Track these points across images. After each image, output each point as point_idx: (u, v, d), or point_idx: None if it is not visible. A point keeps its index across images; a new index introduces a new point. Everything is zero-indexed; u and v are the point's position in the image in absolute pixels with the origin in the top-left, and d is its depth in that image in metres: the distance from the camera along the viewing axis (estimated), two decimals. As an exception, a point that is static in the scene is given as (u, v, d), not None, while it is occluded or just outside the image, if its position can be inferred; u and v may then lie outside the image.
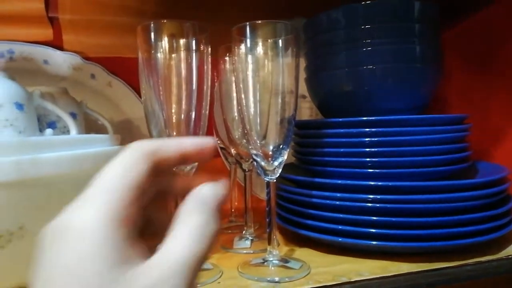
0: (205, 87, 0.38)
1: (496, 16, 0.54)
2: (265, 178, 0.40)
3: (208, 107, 0.38)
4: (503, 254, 0.41)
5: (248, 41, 0.39)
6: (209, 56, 0.38)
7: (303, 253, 0.44)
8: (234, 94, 0.49)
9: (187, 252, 0.19)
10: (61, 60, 0.60)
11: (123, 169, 0.21)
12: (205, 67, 0.38)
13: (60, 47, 0.61)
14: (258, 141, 0.40)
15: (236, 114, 0.49)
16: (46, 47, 0.59)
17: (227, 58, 0.49)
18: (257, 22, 0.39)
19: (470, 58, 0.58)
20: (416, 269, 0.38)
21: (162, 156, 0.22)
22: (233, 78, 0.48)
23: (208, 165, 0.66)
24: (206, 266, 0.40)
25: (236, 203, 0.57)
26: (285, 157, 0.41)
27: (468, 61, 0.58)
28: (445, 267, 0.38)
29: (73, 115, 0.48)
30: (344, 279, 0.35)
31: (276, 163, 0.40)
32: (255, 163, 0.41)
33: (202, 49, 0.38)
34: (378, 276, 0.37)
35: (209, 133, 0.58)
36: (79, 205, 0.20)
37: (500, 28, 0.53)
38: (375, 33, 0.48)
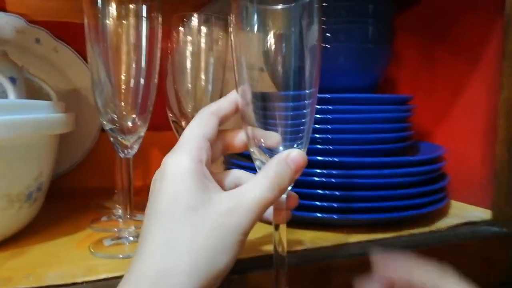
0: (155, 55, 0.37)
1: (449, 1, 0.56)
2: None
3: (157, 77, 0.38)
4: (435, 227, 0.44)
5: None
6: (160, 24, 0.37)
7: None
8: (188, 66, 0.48)
9: (263, 195, 0.26)
10: (3, 22, 0.56)
11: (200, 123, 0.29)
12: (156, 35, 0.37)
13: (2, 8, 0.57)
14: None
15: (190, 86, 0.48)
16: (-14, 7, 0.55)
17: (181, 28, 0.48)
18: None
19: (420, 41, 0.60)
20: (355, 240, 0.40)
21: (224, 113, 0.30)
22: (187, 50, 0.48)
23: (159, 138, 0.66)
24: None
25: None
26: None
27: (417, 44, 0.61)
28: (382, 238, 0.41)
29: (13, 80, 0.45)
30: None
31: None
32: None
33: (153, 16, 0.37)
34: (318, 246, 0.39)
35: (162, 105, 0.57)
36: (173, 152, 0.28)
37: (448, 12, 0.55)
38: (330, 12, 0.48)
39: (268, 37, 0.29)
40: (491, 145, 0.46)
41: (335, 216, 0.43)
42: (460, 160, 0.53)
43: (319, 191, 0.44)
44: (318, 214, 0.43)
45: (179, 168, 0.26)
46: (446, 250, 0.42)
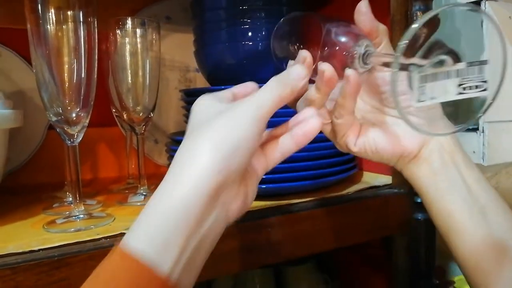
0: (93, 56, 0.43)
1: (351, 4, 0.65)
2: None
3: (95, 74, 0.43)
4: (346, 192, 0.53)
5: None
6: (96, 27, 0.43)
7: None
8: (127, 65, 0.54)
9: (268, 94, 0.30)
10: None
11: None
12: (93, 37, 0.42)
13: None
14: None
15: (130, 83, 0.53)
16: None
17: (118, 31, 0.53)
18: None
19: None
20: (276, 204, 0.48)
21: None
22: (125, 50, 0.53)
23: (106, 133, 0.70)
24: (100, 214, 0.45)
25: (133, 166, 0.62)
26: None
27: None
28: (300, 202, 0.49)
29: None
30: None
31: None
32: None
33: (89, 20, 0.42)
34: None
35: (106, 103, 0.62)
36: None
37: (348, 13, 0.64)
38: (251, 13, 0.56)
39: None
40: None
41: (263, 186, 0.50)
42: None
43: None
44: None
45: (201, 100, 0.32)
46: (353, 208, 0.50)
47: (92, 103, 0.43)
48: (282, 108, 0.31)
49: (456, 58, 0.28)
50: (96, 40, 0.43)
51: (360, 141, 0.37)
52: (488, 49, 0.30)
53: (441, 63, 0.27)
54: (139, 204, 0.50)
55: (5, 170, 0.53)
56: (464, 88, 0.28)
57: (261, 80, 0.56)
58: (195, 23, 0.60)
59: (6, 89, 0.61)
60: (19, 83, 0.63)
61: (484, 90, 0.29)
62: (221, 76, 0.60)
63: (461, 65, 0.27)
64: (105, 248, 0.36)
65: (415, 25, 0.26)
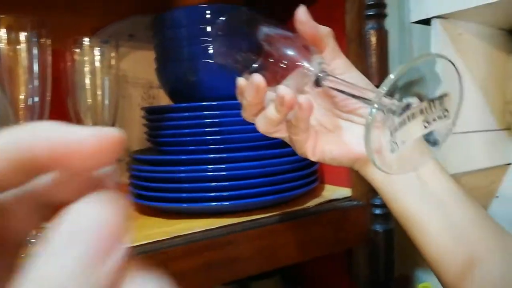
0: (46, 76, 0.42)
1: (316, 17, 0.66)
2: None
3: (49, 95, 0.43)
4: (306, 206, 0.54)
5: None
6: (49, 47, 0.42)
7: (150, 222, 0.51)
8: (86, 84, 0.53)
9: None
10: None
11: None
12: (46, 58, 0.42)
13: None
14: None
15: (90, 101, 0.53)
16: None
17: (77, 50, 0.52)
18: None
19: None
20: (239, 221, 0.48)
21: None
22: (84, 68, 0.53)
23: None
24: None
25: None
26: None
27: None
28: (261, 218, 0.50)
29: None
30: (175, 234, 0.44)
31: None
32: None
33: (42, 41, 0.42)
34: (204, 229, 0.46)
35: (62, 121, 0.60)
36: None
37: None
38: (211, 32, 0.56)
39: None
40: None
41: (225, 203, 0.51)
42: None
43: (212, 184, 0.51)
44: (212, 204, 0.51)
45: None
46: (313, 222, 0.51)
47: (46, 123, 0.43)
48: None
49: (419, 98, 0.30)
50: (50, 60, 0.42)
51: (318, 151, 0.38)
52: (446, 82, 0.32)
53: (407, 106, 0.29)
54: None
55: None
56: (428, 122, 0.30)
57: (223, 97, 0.57)
58: (156, 40, 0.61)
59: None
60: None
61: (447, 118, 0.31)
62: (183, 93, 0.60)
63: (425, 104, 0.29)
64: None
65: (393, 76, 0.27)
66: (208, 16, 0.56)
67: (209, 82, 0.57)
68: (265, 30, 0.35)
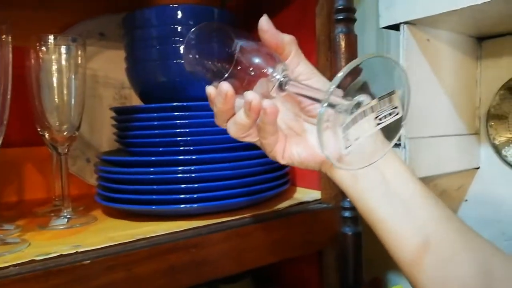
0: (7, 74, 0.41)
1: (282, 26, 0.67)
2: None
3: (9, 94, 0.41)
4: (276, 208, 0.54)
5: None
6: (10, 45, 0.41)
7: (116, 223, 0.50)
8: (53, 82, 0.52)
9: None
10: None
11: None
12: (6, 55, 0.41)
13: None
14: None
15: (57, 100, 0.51)
16: None
17: (43, 48, 0.51)
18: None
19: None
20: (207, 223, 0.48)
21: None
22: (50, 66, 0.51)
23: (32, 153, 0.67)
24: (15, 240, 0.43)
25: (60, 187, 0.59)
26: None
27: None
28: (229, 220, 0.49)
29: None
30: (140, 236, 0.43)
31: None
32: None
33: (3, 38, 0.40)
34: (170, 231, 0.45)
35: (28, 120, 0.59)
36: None
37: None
38: (182, 32, 0.56)
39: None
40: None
41: (194, 205, 0.50)
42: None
43: (182, 186, 0.50)
44: (181, 206, 0.50)
45: None
46: (284, 224, 0.51)
47: (5, 122, 0.41)
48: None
49: (371, 97, 0.31)
50: (10, 58, 0.41)
51: (286, 154, 0.38)
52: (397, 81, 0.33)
53: (358, 104, 0.30)
54: (61, 228, 0.48)
55: None
56: (380, 119, 0.31)
57: (193, 99, 0.57)
58: (127, 40, 0.60)
59: None
60: None
61: (397, 114, 0.32)
62: (153, 94, 0.60)
63: (374, 101, 0.30)
64: (12, 277, 0.34)
65: (340, 74, 0.28)
66: (179, 16, 0.56)
67: (179, 82, 0.57)
68: (234, 40, 0.36)
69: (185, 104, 0.54)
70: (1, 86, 0.41)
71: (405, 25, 0.58)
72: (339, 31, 0.53)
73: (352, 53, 0.53)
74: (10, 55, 0.41)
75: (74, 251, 0.39)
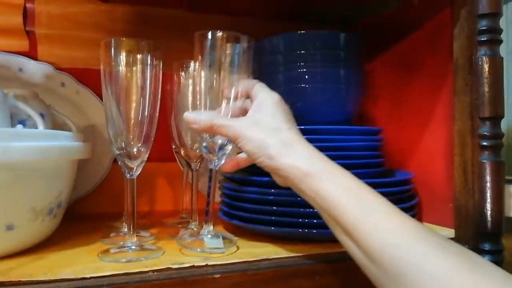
0: (157, 95, 0.46)
1: (412, 48, 0.64)
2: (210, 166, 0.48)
3: (158, 113, 0.46)
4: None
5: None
6: (161, 70, 0.46)
7: (239, 241, 0.51)
8: (189, 104, 0.57)
9: None
10: (34, 69, 0.66)
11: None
12: (158, 79, 0.46)
13: (35, 58, 0.67)
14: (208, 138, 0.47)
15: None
16: (22, 57, 0.65)
17: (182, 73, 0.57)
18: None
19: (393, 82, 0.68)
20: (328, 251, 0.46)
21: None
22: (187, 91, 0.56)
23: (164, 168, 0.73)
24: (151, 247, 0.46)
25: (187, 201, 0.64)
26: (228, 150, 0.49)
27: (390, 85, 0.68)
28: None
29: (42, 115, 0.54)
30: (264, 256, 0.43)
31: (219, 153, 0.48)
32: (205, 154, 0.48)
33: (155, 63, 0.45)
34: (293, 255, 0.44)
35: (167, 138, 0.65)
36: None
37: (413, 57, 0.63)
38: (308, 57, 0.57)
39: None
40: (451, 171, 0.52)
41: (314, 231, 0.49)
42: (426, 186, 0.59)
43: (301, 209, 0.50)
44: (299, 230, 0.49)
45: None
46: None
47: (152, 139, 0.46)
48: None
49: None
50: (160, 81, 0.46)
51: None
52: None
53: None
54: (189, 240, 0.50)
55: (71, 198, 0.57)
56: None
57: (316, 122, 0.57)
58: (255, 65, 0.63)
59: (80, 123, 0.67)
60: (92, 118, 0.69)
61: None
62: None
63: None
64: (151, 282, 0.37)
65: None
66: (305, 42, 0.57)
67: (303, 107, 0.57)
68: None
69: (308, 127, 0.54)
70: (152, 105, 0.45)
71: None
72: (482, 53, 0.48)
73: (497, 76, 0.48)
74: (160, 78, 0.46)
75: (205, 263, 0.40)
